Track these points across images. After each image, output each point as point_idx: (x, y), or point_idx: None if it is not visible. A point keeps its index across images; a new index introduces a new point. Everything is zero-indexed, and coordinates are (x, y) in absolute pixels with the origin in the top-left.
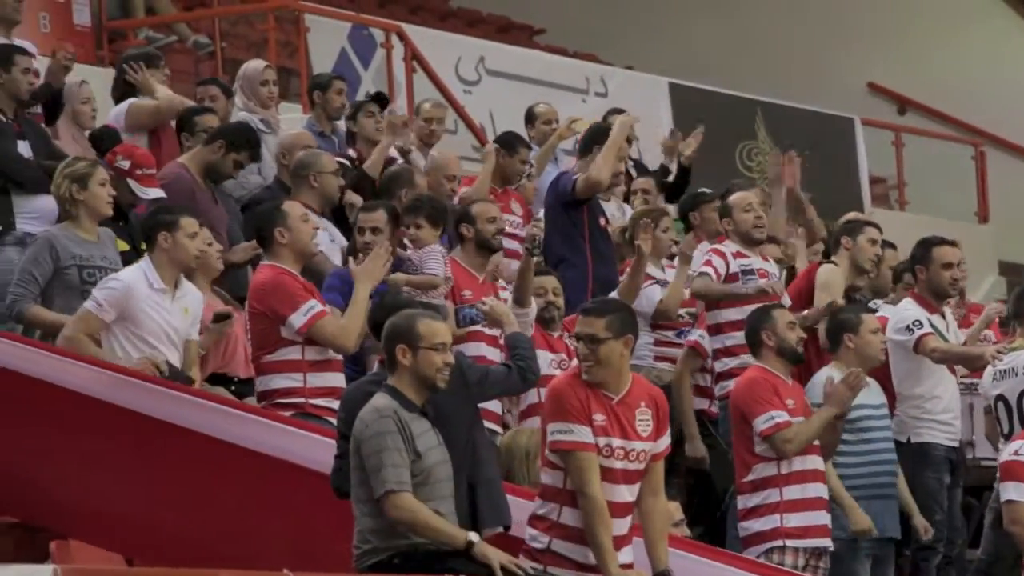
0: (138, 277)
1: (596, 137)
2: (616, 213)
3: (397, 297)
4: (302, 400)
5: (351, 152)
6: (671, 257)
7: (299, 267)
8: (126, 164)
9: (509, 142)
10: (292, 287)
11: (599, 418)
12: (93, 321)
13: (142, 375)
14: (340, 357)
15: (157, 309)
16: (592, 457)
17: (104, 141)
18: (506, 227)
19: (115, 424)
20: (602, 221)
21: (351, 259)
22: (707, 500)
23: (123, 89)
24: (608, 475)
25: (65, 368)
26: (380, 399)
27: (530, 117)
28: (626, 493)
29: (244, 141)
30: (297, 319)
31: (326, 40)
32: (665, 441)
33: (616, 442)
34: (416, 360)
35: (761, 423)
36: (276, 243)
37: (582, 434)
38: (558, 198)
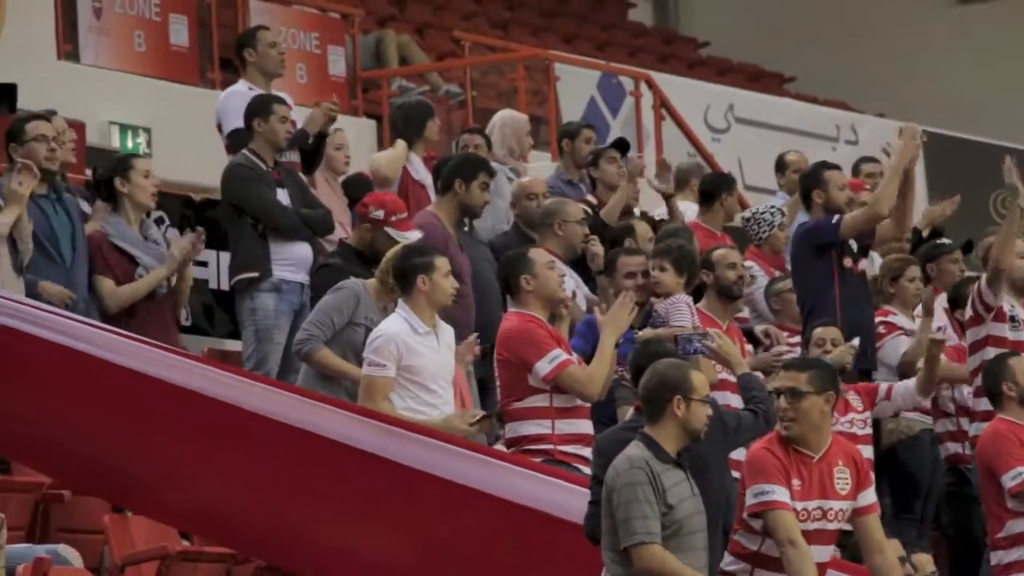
0: (400, 325)
1: (811, 182)
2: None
3: (661, 344)
4: (550, 447)
5: (591, 198)
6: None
7: (546, 314)
8: (380, 214)
9: (717, 185)
10: (539, 335)
11: (795, 483)
12: (382, 384)
13: (401, 422)
14: (588, 404)
15: (428, 353)
16: (792, 515)
17: (355, 188)
18: None
19: (366, 469)
20: (847, 262)
21: (596, 308)
22: (966, 553)
23: (402, 134)
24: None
25: (319, 413)
26: (633, 449)
27: (780, 165)
28: (819, 554)
29: (472, 166)
30: (543, 367)
31: (575, 88)
32: (869, 496)
33: (812, 504)
34: (688, 411)
35: (1009, 479)
36: (522, 290)
37: (781, 494)
38: (810, 243)
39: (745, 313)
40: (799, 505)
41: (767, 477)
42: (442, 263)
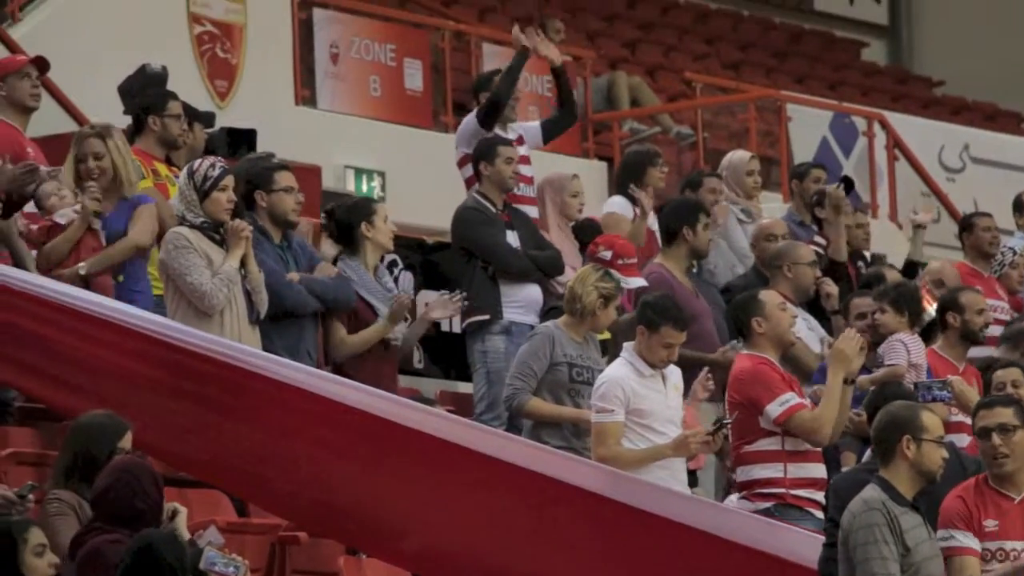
0: (625, 370)
1: None
2: None
3: (899, 386)
4: (782, 491)
5: (819, 239)
6: None
7: (778, 356)
8: (607, 255)
9: (968, 223)
10: (770, 377)
11: (990, 523)
12: (613, 429)
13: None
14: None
15: (655, 395)
16: (974, 561)
17: (586, 232)
18: (993, 313)
19: (601, 513)
20: None
21: (824, 345)
22: None
23: (621, 182)
24: None
25: (552, 458)
26: (870, 491)
27: (1018, 205)
28: None
29: (693, 210)
30: (774, 409)
31: (807, 129)
32: None
33: (1010, 544)
34: (920, 452)
35: None
36: (754, 332)
37: (963, 539)
38: None
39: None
40: (993, 546)
41: (950, 523)
42: (667, 331)
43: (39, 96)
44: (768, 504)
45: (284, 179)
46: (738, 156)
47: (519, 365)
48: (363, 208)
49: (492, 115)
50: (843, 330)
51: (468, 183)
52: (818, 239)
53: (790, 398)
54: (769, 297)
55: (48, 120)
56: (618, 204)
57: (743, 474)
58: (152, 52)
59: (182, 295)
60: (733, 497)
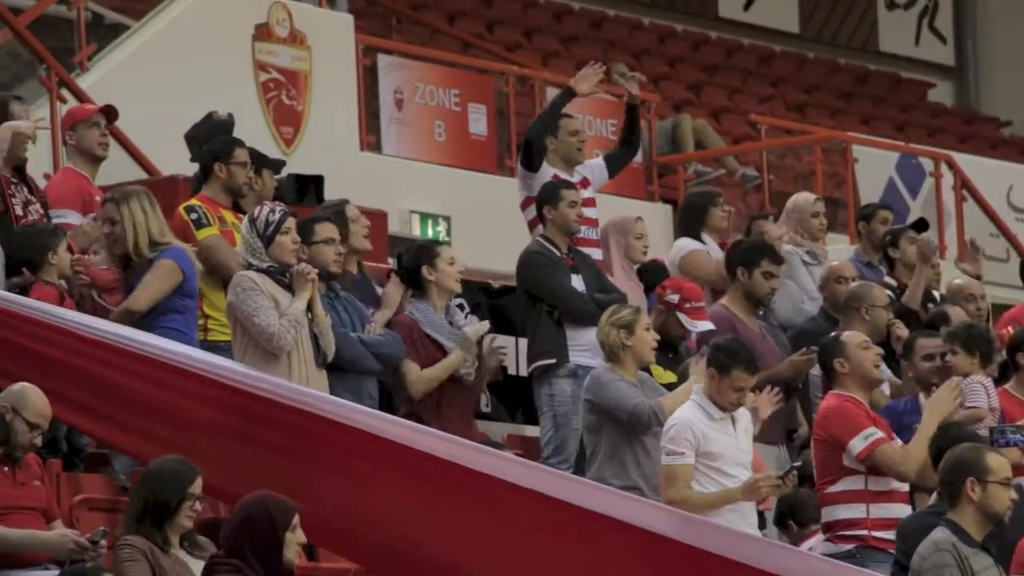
0: (695, 413)
1: None
2: None
3: (962, 427)
4: (864, 532)
5: (889, 280)
6: None
7: (865, 395)
8: (675, 298)
9: None
10: (854, 413)
11: None
12: (683, 472)
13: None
14: (904, 488)
15: (725, 438)
16: None
17: (651, 274)
18: None
19: (670, 558)
20: None
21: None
22: None
23: (684, 224)
24: None
25: (621, 501)
26: (939, 533)
27: None
28: None
29: (755, 253)
30: (857, 444)
31: (874, 170)
32: None
33: None
34: (985, 494)
35: None
36: (838, 374)
37: None
38: None
39: None
40: None
41: (1020, 568)
42: (737, 375)
43: (107, 145)
44: (850, 546)
45: (324, 230)
46: (803, 198)
47: (618, 395)
48: (426, 251)
49: (530, 155)
50: (908, 371)
51: (531, 224)
52: (888, 280)
53: (873, 432)
54: (851, 338)
55: (116, 169)
56: (691, 243)
57: (827, 515)
58: (218, 100)
59: (250, 338)
60: (813, 541)
